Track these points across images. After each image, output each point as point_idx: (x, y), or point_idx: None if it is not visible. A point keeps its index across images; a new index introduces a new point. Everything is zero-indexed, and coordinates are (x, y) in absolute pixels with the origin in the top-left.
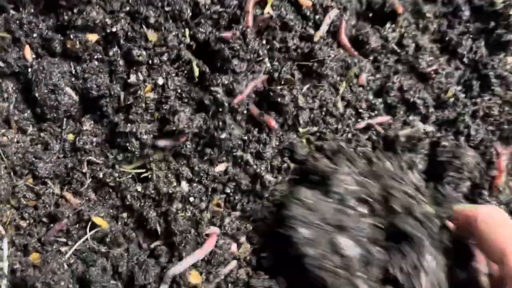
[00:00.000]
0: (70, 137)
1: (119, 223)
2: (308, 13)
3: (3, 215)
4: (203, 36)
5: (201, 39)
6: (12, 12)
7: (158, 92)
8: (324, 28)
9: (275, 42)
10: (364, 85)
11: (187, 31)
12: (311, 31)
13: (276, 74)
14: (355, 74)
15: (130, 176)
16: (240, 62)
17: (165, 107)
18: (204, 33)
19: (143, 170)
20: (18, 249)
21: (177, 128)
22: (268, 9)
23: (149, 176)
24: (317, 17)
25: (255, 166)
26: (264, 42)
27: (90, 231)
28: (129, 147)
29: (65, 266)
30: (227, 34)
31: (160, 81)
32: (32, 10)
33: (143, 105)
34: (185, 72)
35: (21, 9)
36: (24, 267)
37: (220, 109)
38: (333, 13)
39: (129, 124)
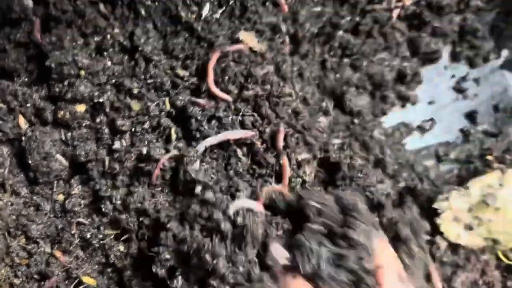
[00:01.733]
0: (60, 197)
1: (105, 277)
2: None
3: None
4: (181, 103)
5: (178, 105)
6: (6, 83)
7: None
8: None
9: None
10: None
11: (167, 100)
12: None
13: None
14: None
15: (112, 236)
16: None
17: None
18: (183, 100)
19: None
20: None
21: None
22: None
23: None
24: None
25: None
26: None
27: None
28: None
29: None
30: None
31: (145, 150)
32: (26, 80)
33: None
34: (163, 139)
35: (15, 79)
36: None
37: None
38: None
39: (109, 189)
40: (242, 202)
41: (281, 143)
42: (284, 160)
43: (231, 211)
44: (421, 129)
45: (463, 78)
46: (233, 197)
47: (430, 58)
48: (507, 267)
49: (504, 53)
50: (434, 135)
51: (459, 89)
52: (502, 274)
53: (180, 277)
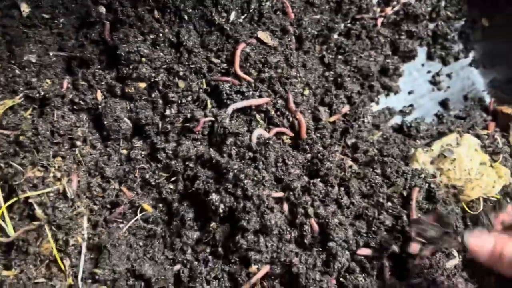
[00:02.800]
0: (124, 151)
1: (157, 210)
2: None
3: (83, 201)
4: (214, 81)
5: (212, 84)
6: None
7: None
8: None
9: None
10: None
11: (203, 80)
12: None
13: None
14: None
15: (165, 178)
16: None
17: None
18: (215, 79)
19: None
20: (92, 224)
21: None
22: None
23: (176, 178)
24: None
25: None
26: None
27: (139, 214)
28: (161, 159)
29: (122, 237)
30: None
31: (189, 115)
32: (99, 66)
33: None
34: (202, 107)
35: (91, 66)
36: (96, 235)
37: None
38: None
39: (163, 143)
40: (259, 131)
41: (292, 104)
42: (299, 115)
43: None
44: (403, 113)
45: (437, 74)
46: None
47: (408, 56)
48: (471, 218)
49: (472, 53)
50: (413, 118)
51: (434, 82)
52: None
53: (215, 194)
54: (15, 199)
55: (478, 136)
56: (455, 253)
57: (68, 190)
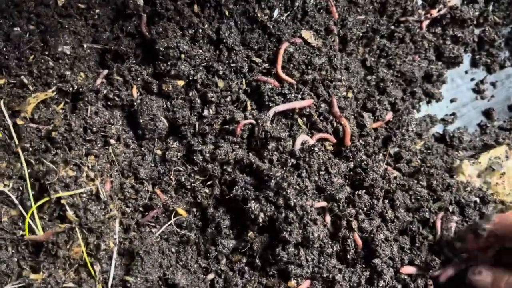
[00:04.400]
0: (159, 152)
1: (191, 215)
2: None
3: (115, 203)
4: (255, 81)
5: (253, 84)
6: (120, 62)
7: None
8: None
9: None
10: None
11: (243, 80)
12: None
13: None
14: None
15: (200, 181)
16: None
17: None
18: (256, 79)
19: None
20: (123, 228)
21: None
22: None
23: (213, 182)
24: None
25: None
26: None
27: (173, 218)
28: (198, 162)
29: (155, 243)
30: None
31: (228, 116)
32: (134, 61)
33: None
34: (241, 109)
35: (126, 60)
36: (128, 240)
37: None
38: None
39: (200, 145)
40: (303, 137)
41: (336, 108)
42: (344, 120)
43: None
44: (444, 121)
45: (481, 81)
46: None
47: (453, 62)
48: None
49: None
50: (455, 127)
51: (477, 90)
52: None
53: (254, 202)
54: (46, 198)
55: None
56: None
57: (101, 191)
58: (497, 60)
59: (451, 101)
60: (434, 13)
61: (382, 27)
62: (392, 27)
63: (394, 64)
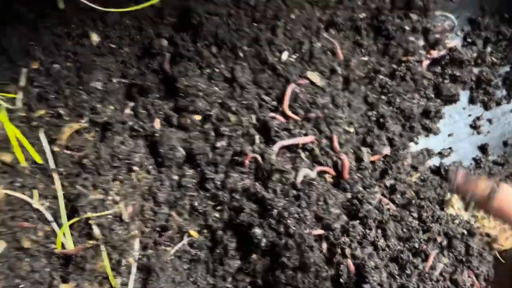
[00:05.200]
0: (176, 178)
1: (202, 236)
2: None
3: (136, 223)
4: (264, 117)
5: (262, 120)
6: (145, 97)
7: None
8: None
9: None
10: None
11: (253, 116)
12: None
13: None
14: None
15: (212, 206)
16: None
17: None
18: (265, 116)
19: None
20: (142, 246)
21: None
22: None
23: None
24: None
25: None
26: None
27: (186, 238)
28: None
29: (169, 261)
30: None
31: (238, 149)
32: (157, 95)
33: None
34: (250, 142)
35: (150, 94)
36: (146, 257)
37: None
38: None
39: (212, 173)
40: (305, 171)
41: (337, 144)
42: (343, 155)
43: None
44: (441, 155)
45: (478, 118)
46: None
47: (451, 99)
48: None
49: None
50: (451, 161)
51: (474, 126)
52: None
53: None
54: (77, 219)
55: None
56: None
57: (124, 213)
58: (494, 98)
59: (449, 135)
60: (434, 53)
61: (383, 68)
62: (394, 66)
63: (394, 101)
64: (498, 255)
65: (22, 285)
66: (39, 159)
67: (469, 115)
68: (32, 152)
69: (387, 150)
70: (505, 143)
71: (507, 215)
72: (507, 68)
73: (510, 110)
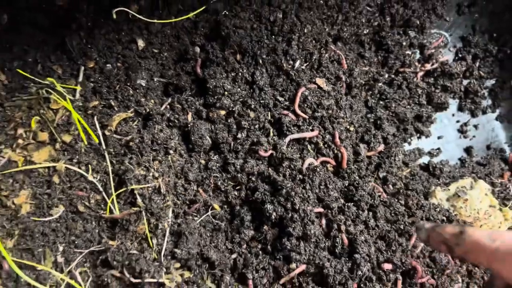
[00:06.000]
0: (203, 162)
1: (223, 210)
2: None
3: (170, 196)
4: (278, 115)
5: (276, 117)
6: (179, 94)
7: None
8: None
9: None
10: None
11: (269, 113)
12: None
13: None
14: None
15: (232, 185)
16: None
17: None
18: (279, 114)
19: (238, 185)
20: (174, 215)
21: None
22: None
23: (240, 187)
24: None
25: None
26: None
27: (210, 211)
28: (230, 171)
29: (196, 228)
30: (290, 114)
31: (255, 139)
32: (190, 93)
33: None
34: (265, 134)
35: (183, 92)
36: (176, 224)
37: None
38: None
39: (233, 159)
40: (310, 160)
41: (338, 139)
42: (342, 149)
43: (306, 164)
44: (431, 154)
45: (465, 124)
46: None
47: (441, 107)
48: None
49: (498, 109)
50: (439, 160)
51: (461, 131)
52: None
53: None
54: (124, 189)
55: (492, 183)
56: (459, 279)
57: (162, 187)
58: (480, 107)
59: (438, 137)
60: (428, 66)
61: (382, 77)
62: (392, 76)
63: (391, 106)
64: None
65: (76, 242)
66: (96, 139)
67: (457, 121)
68: (91, 133)
69: (381, 147)
70: (488, 147)
71: (474, 260)
72: (492, 81)
73: (495, 118)
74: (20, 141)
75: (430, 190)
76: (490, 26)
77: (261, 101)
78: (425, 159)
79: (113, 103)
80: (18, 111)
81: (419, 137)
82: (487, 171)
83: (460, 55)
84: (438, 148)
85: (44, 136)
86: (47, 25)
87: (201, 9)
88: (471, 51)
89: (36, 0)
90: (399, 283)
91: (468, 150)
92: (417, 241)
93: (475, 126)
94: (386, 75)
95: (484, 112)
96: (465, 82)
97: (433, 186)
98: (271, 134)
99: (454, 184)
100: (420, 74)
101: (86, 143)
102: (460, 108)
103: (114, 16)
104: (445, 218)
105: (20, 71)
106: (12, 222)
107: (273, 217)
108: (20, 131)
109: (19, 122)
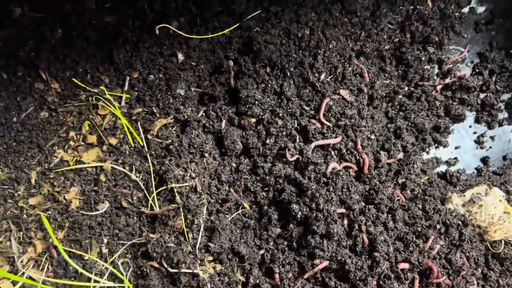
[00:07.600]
0: (234, 165)
1: (252, 209)
2: None
3: (205, 195)
4: (304, 123)
5: (302, 125)
6: (214, 103)
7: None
8: None
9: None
10: None
11: (295, 121)
12: None
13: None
14: None
15: (260, 187)
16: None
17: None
18: (304, 121)
19: (266, 187)
20: (208, 212)
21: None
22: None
23: (268, 188)
24: None
25: None
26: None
27: (240, 209)
28: (259, 174)
29: (227, 225)
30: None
31: (283, 145)
32: (223, 102)
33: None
34: (292, 141)
35: (217, 101)
36: (210, 221)
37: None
38: None
39: (262, 162)
40: (333, 164)
41: (360, 146)
42: (364, 155)
43: (329, 168)
44: (448, 163)
45: (482, 135)
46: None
47: (458, 119)
48: (493, 254)
49: None
50: (456, 169)
51: (478, 142)
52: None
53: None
54: (164, 187)
55: (508, 192)
56: (475, 281)
57: (198, 186)
58: (496, 119)
59: (456, 148)
60: (446, 80)
61: (402, 90)
62: (412, 89)
63: (410, 117)
64: (489, 246)
65: (119, 234)
66: (141, 142)
67: (474, 132)
68: (136, 137)
69: (401, 155)
70: (504, 157)
71: None
72: (508, 95)
73: (511, 130)
74: (71, 143)
75: (446, 196)
76: (507, 43)
77: (289, 110)
78: (442, 168)
79: (155, 110)
80: (70, 116)
81: (437, 147)
82: (503, 180)
83: (477, 70)
84: (455, 158)
85: (92, 138)
86: (96, 39)
87: (235, 26)
88: (488, 67)
89: (87, 17)
90: (416, 282)
91: (484, 160)
92: (434, 243)
93: (492, 138)
94: (406, 88)
95: (500, 125)
96: (482, 95)
97: (449, 193)
98: (298, 140)
99: (470, 191)
100: (439, 87)
101: (132, 145)
102: (477, 120)
103: (157, 32)
104: (460, 222)
105: (74, 80)
106: (63, 216)
107: (298, 216)
108: (72, 134)
109: (71, 126)
